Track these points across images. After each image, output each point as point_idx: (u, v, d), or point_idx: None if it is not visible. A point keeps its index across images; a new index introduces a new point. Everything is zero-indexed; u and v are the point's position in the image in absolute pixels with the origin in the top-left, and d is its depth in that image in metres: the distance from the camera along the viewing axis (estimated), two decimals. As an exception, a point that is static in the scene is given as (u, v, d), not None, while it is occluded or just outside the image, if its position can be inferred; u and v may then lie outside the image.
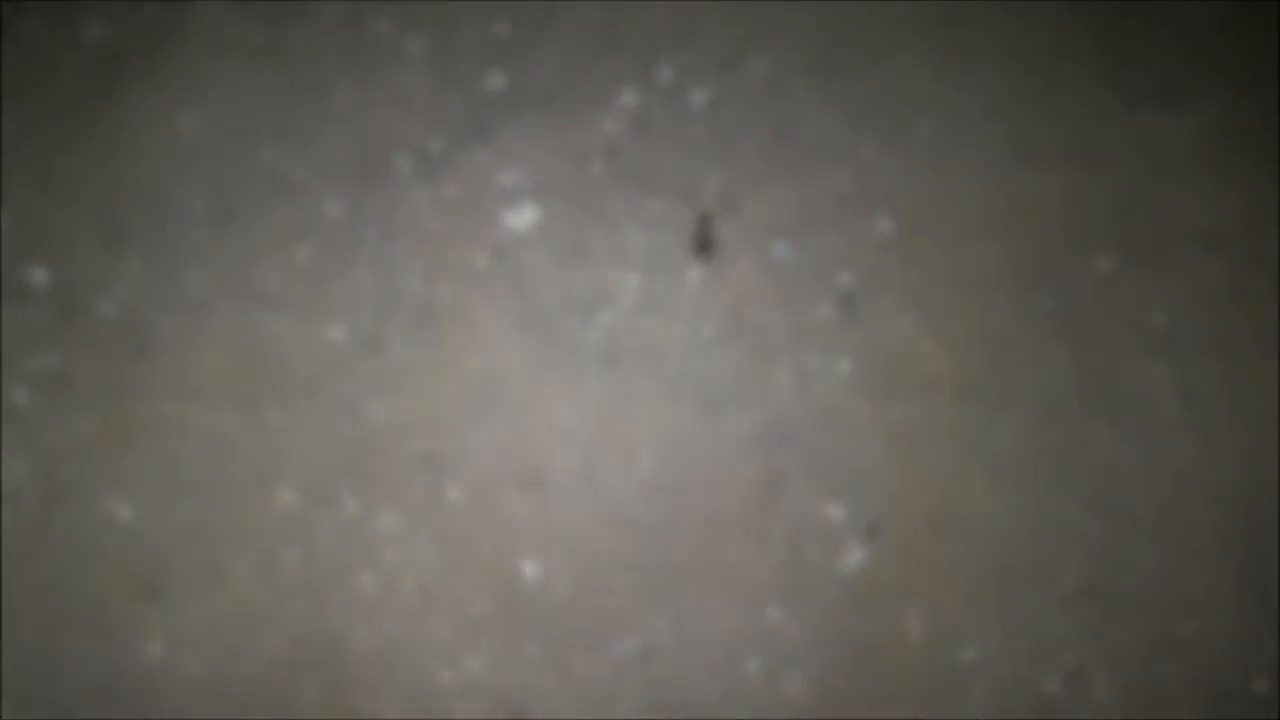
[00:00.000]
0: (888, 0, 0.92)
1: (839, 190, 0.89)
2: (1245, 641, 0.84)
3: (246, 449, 0.80)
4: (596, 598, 0.80)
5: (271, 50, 0.89)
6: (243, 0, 0.90)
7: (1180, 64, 0.92)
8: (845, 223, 0.89)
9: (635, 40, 0.91)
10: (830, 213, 0.89)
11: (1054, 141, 0.90)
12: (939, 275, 0.88)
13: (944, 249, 0.88)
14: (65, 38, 0.88)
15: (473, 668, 0.81)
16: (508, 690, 0.80)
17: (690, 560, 0.81)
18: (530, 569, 0.80)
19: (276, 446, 0.80)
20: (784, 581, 0.81)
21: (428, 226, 0.85)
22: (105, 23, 0.88)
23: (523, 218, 0.86)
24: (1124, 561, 0.83)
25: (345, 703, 0.80)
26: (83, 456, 0.79)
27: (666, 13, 0.91)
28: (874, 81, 0.91)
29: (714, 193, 0.88)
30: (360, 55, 0.89)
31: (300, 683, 0.80)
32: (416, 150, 0.87)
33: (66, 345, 0.81)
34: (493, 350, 0.83)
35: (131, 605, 0.78)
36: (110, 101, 0.87)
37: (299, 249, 0.84)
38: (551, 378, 0.83)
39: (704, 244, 0.87)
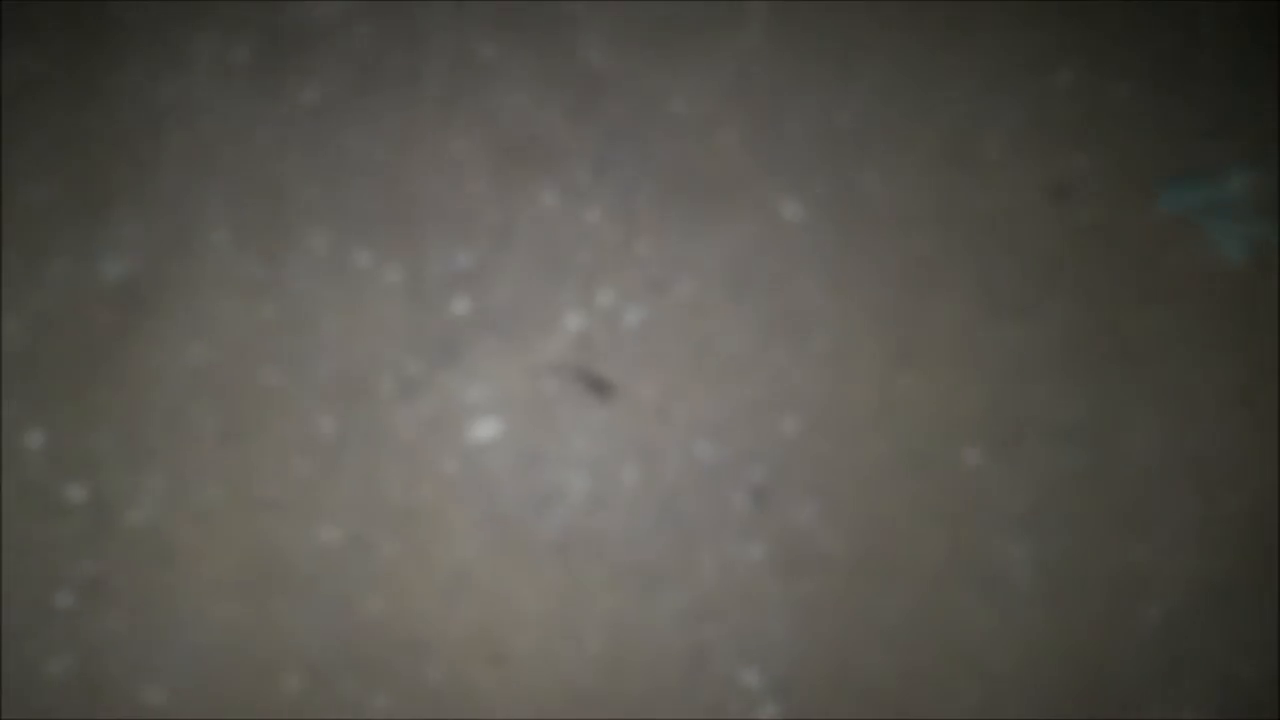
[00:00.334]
0: (791, 234, 1.06)
1: (753, 395, 1.04)
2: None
3: (258, 639, 0.94)
4: None
5: (268, 285, 1.03)
6: (241, 238, 1.03)
7: (1035, 282, 1.07)
8: (757, 423, 1.04)
9: (579, 267, 1.05)
10: (745, 415, 1.04)
11: (930, 349, 1.06)
12: (836, 468, 1.03)
13: (840, 445, 1.03)
14: (89, 277, 1.01)
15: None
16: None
17: None
18: None
19: (283, 637, 0.95)
20: None
21: (406, 438, 1.00)
22: (124, 263, 1.01)
23: (486, 430, 1.00)
24: (991, 715, 0.99)
25: None
26: (119, 651, 0.93)
27: (604, 241, 1.06)
28: (780, 301, 1.06)
29: (649, 403, 1.03)
30: (345, 286, 1.03)
31: None
32: (395, 371, 1.02)
33: (102, 553, 0.95)
34: (463, 545, 0.98)
35: None
36: (130, 335, 1.00)
37: (297, 461, 0.98)
38: (513, 567, 0.98)
39: (640, 447, 1.02)
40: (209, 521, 0.94)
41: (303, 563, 0.94)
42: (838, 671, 0.96)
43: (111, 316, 0.99)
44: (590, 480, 0.98)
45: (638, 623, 0.96)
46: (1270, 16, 1.19)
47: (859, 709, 0.95)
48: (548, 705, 0.94)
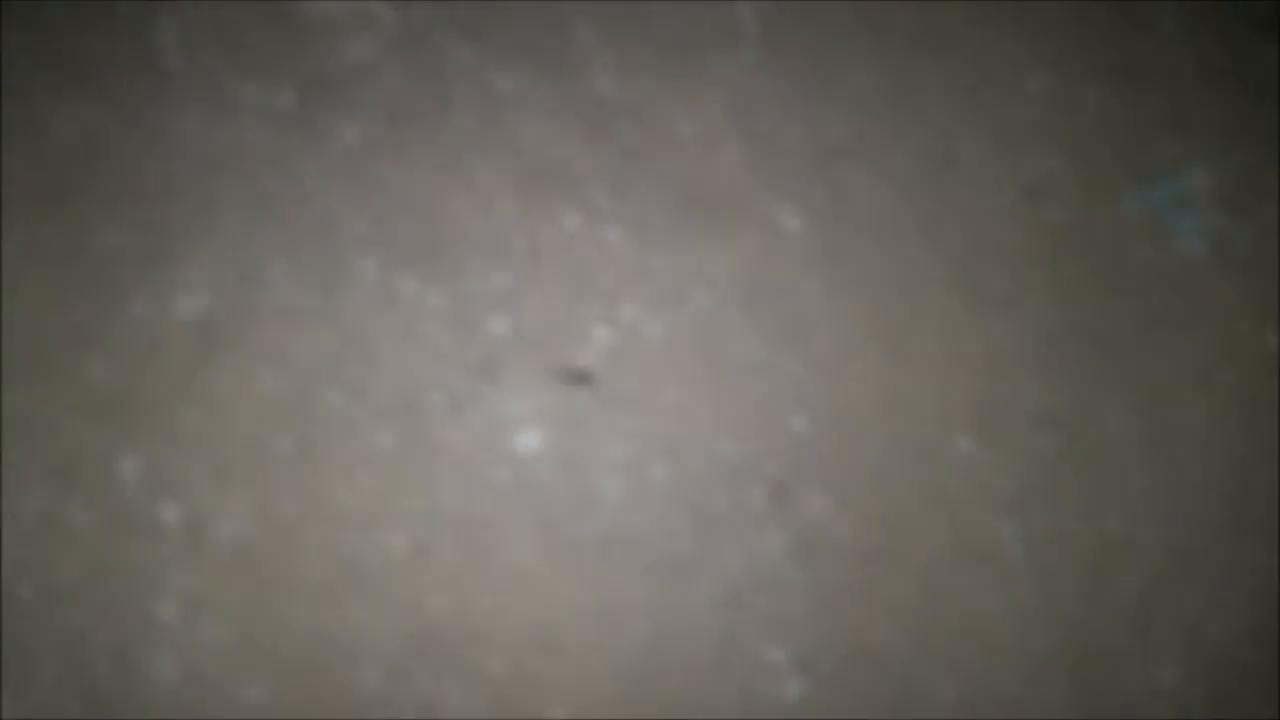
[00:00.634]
0: (792, 245, 1.19)
1: (766, 396, 1.17)
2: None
3: (338, 639, 1.08)
4: None
5: (325, 313, 1.15)
6: (297, 271, 1.15)
7: (1015, 279, 1.20)
8: (771, 423, 1.17)
9: (603, 283, 1.18)
10: (759, 415, 1.17)
11: (923, 346, 1.18)
12: (844, 461, 1.16)
13: (846, 439, 1.16)
14: (165, 316, 1.13)
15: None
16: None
17: (672, 700, 1.10)
18: (558, 714, 1.08)
19: (360, 636, 1.08)
20: (743, 709, 1.10)
21: (458, 451, 1.12)
22: (195, 301, 1.13)
23: (529, 440, 1.13)
24: (987, 683, 1.13)
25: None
26: (219, 656, 1.06)
27: (624, 259, 1.18)
28: (785, 308, 1.18)
29: (673, 408, 1.15)
30: (394, 311, 1.15)
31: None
32: (444, 389, 1.14)
33: (197, 568, 1.07)
34: (515, 547, 1.11)
35: None
36: (206, 366, 1.12)
37: (362, 475, 1.11)
38: (560, 565, 1.11)
39: (666, 449, 1.15)
40: (289, 534, 1.07)
41: (374, 568, 1.07)
42: (854, 647, 1.10)
43: (188, 350, 1.10)
44: (624, 482, 1.11)
45: (673, 610, 1.09)
46: (1226, 15, 1.31)
47: (875, 679, 1.09)
48: (599, 687, 1.07)
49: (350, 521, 1.07)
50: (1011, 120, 1.25)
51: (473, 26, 1.23)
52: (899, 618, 1.09)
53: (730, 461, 1.12)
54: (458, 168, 1.17)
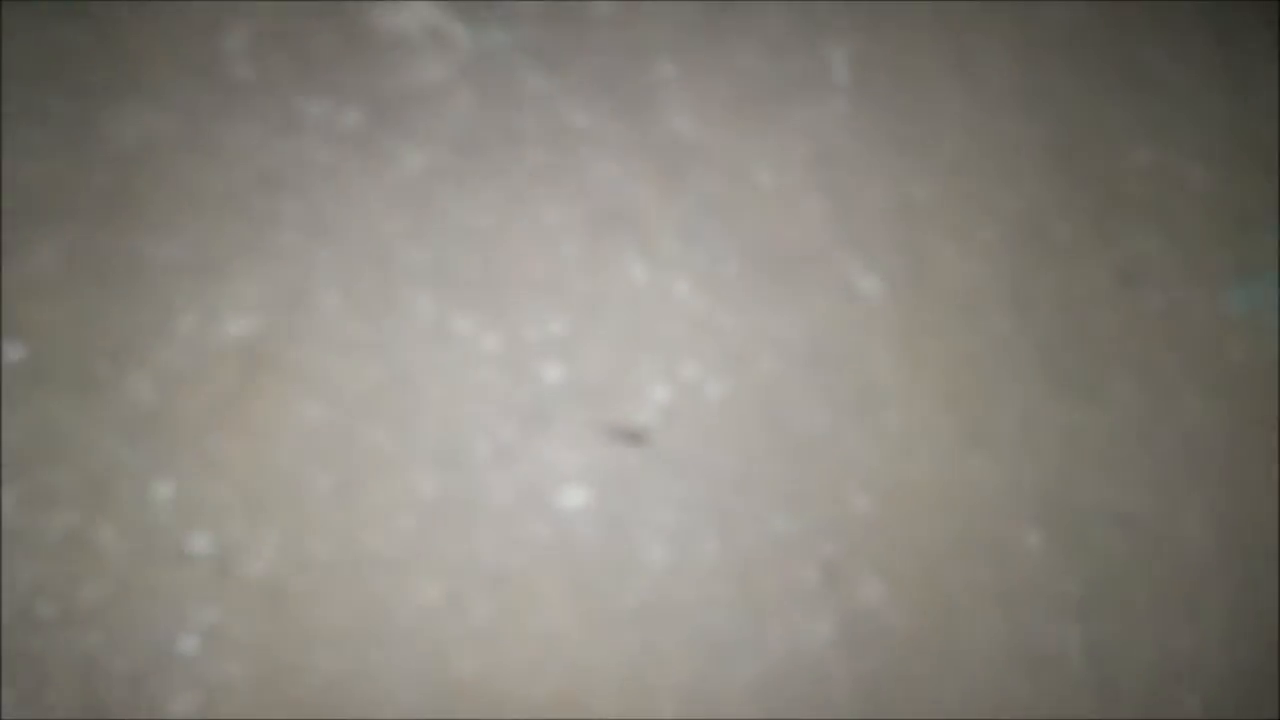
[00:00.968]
0: (867, 310, 1.15)
1: (826, 471, 1.14)
2: None
3: (359, 688, 1.06)
4: None
5: (376, 347, 1.13)
6: (351, 300, 1.13)
7: (1100, 367, 1.16)
8: (830, 499, 1.14)
9: (665, 338, 1.15)
10: (818, 491, 1.14)
11: (997, 430, 1.15)
12: (902, 546, 1.13)
13: (907, 523, 1.13)
14: (214, 335, 1.11)
15: None
16: None
17: None
18: None
19: (382, 688, 1.06)
20: None
21: (500, 503, 1.10)
22: (245, 322, 1.12)
23: (574, 497, 1.11)
24: None
25: None
26: (236, 695, 1.05)
27: (690, 314, 1.15)
28: (854, 378, 1.15)
29: (728, 475, 1.13)
30: (446, 351, 1.13)
31: None
32: (491, 437, 1.12)
33: (223, 601, 1.06)
34: (550, 610, 1.09)
35: None
36: (250, 392, 1.10)
37: (400, 519, 1.09)
38: (595, 632, 1.09)
39: (718, 518, 1.12)
40: (319, 574, 1.05)
41: (402, 618, 1.05)
42: (894, 741, 1.06)
43: (234, 373, 1.09)
44: (669, 550, 1.08)
45: (709, 691, 1.06)
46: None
47: (913, 785, 1.05)
48: (625, 763, 1.05)
49: (382, 567, 1.05)
50: (1111, 195, 1.21)
51: (549, 54, 1.20)
52: (947, 716, 1.06)
53: (784, 538, 1.09)
54: (523, 204, 1.15)
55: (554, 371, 1.11)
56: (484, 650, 1.05)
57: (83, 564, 1.03)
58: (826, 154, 1.20)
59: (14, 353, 1.05)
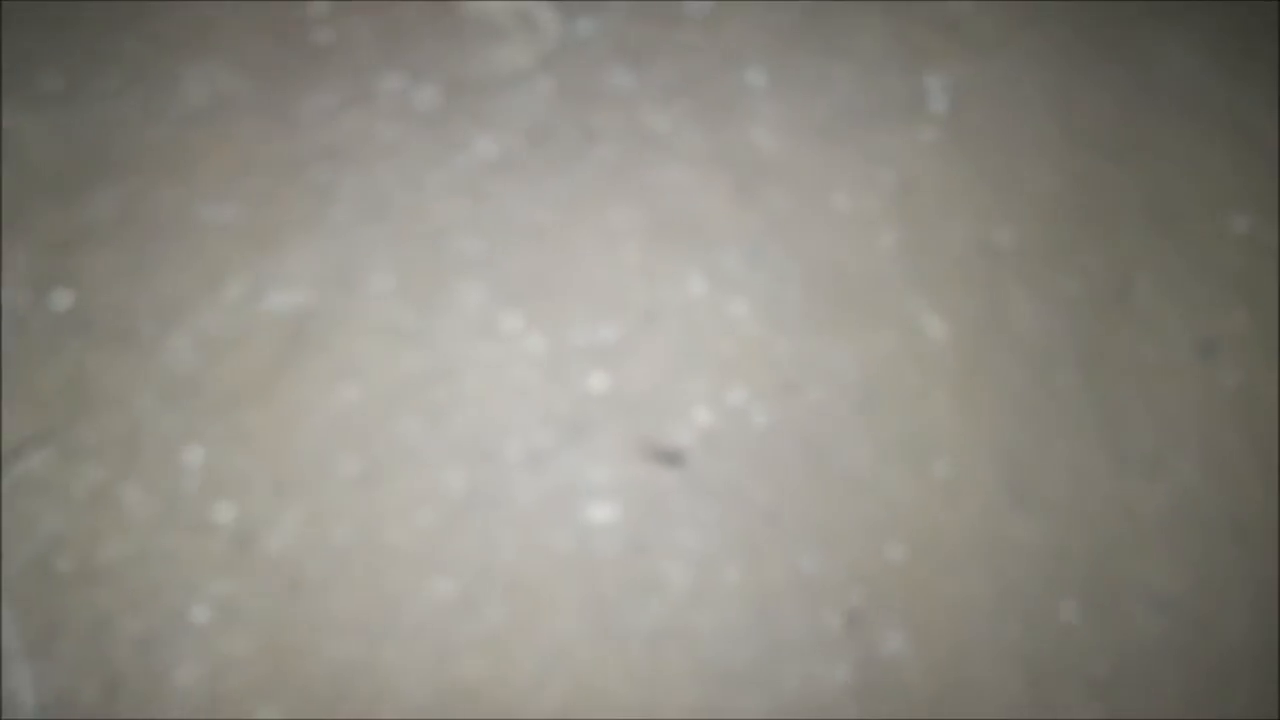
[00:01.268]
0: (930, 353, 1.14)
1: (864, 514, 1.13)
2: None
3: (364, 680, 1.07)
4: None
5: (419, 335, 1.13)
6: (401, 284, 1.13)
7: (1167, 441, 1.14)
8: (864, 544, 1.13)
9: (716, 359, 1.14)
10: (853, 534, 1.13)
11: (1044, 492, 1.13)
12: (931, 600, 1.12)
13: (940, 577, 1.12)
14: (259, 306, 1.12)
15: None
16: None
17: None
18: None
19: (387, 681, 1.07)
20: None
21: (525, 508, 1.11)
22: (292, 296, 1.12)
23: (602, 512, 1.11)
24: None
25: None
26: (243, 670, 1.07)
27: (745, 336, 1.14)
28: (905, 421, 1.14)
29: (761, 507, 1.12)
30: (491, 347, 1.13)
31: None
32: (525, 440, 1.12)
33: (239, 575, 1.08)
34: (563, 622, 1.09)
35: None
36: (289, 367, 1.11)
37: (423, 512, 1.10)
38: (606, 651, 1.09)
39: (745, 550, 1.12)
40: (336, 559, 1.06)
41: (414, 613, 1.06)
42: (897, 799, 1.06)
43: (274, 347, 1.10)
44: (693, 575, 1.08)
45: (715, 722, 1.06)
46: None
47: None
48: (619, 786, 1.05)
49: (401, 559, 1.06)
50: (1203, 261, 1.18)
51: (635, 50, 1.19)
52: (954, 783, 1.05)
53: (811, 578, 1.08)
54: (588, 204, 1.14)
55: (598, 381, 1.11)
56: (493, 655, 1.06)
57: (106, 522, 1.05)
58: (910, 184, 1.18)
59: (61, 301, 1.07)
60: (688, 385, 1.11)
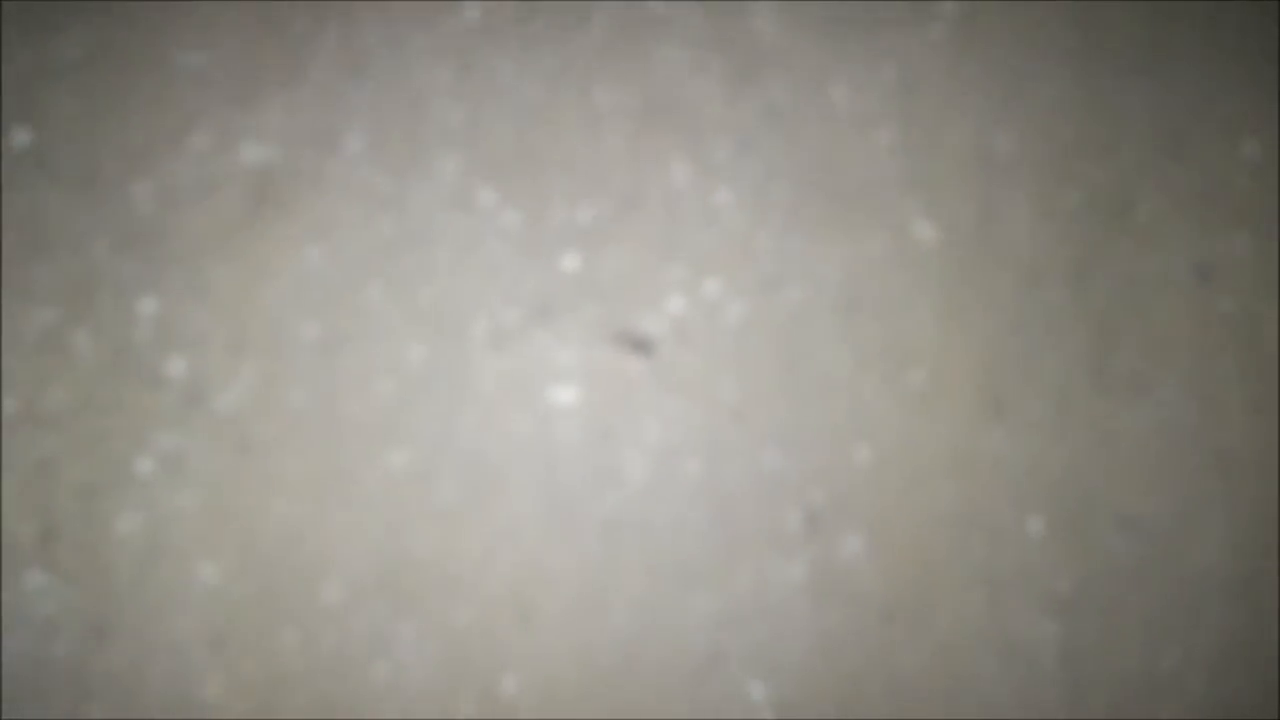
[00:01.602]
0: (917, 257, 1.11)
1: (832, 416, 1.10)
2: None
3: (310, 543, 1.05)
4: (558, 716, 1.06)
5: (392, 202, 1.10)
6: (375, 148, 1.10)
7: (1153, 364, 1.10)
8: (830, 446, 1.10)
9: (694, 248, 1.11)
10: (819, 434, 1.10)
11: (1024, 405, 1.10)
12: (893, 508, 1.09)
13: (905, 486, 1.09)
14: (228, 159, 1.10)
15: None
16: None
17: (636, 706, 1.06)
18: (510, 683, 1.05)
19: (334, 547, 1.06)
20: None
21: (486, 386, 1.08)
22: (263, 151, 1.10)
23: (564, 396, 1.08)
24: None
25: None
26: (184, 524, 1.05)
27: (726, 227, 1.11)
28: (886, 325, 1.11)
29: (728, 402, 1.09)
30: (464, 220, 1.10)
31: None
32: (491, 317, 1.09)
33: (186, 430, 1.06)
34: (517, 502, 1.07)
35: (200, 653, 1.05)
36: (254, 224, 1.09)
37: (381, 382, 1.08)
38: (559, 535, 1.07)
39: (708, 444, 1.09)
40: (288, 422, 1.04)
41: (366, 481, 1.04)
42: (843, 707, 1.04)
43: (239, 203, 1.07)
44: (652, 467, 1.06)
45: (664, 614, 1.04)
46: None
47: (849, 755, 1.03)
48: (561, 669, 1.03)
49: (355, 427, 1.04)
50: (1206, 181, 1.14)
51: (639, -75, 1.15)
52: (901, 690, 1.03)
53: (773, 475, 1.05)
54: (575, 81, 1.11)
55: (570, 261, 1.08)
56: (443, 530, 1.04)
57: (54, 367, 1.03)
58: (912, 84, 1.14)
59: (19, 137, 1.04)
60: (663, 273, 1.08)
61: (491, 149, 1.07)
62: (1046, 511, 1.05)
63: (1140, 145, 1.13)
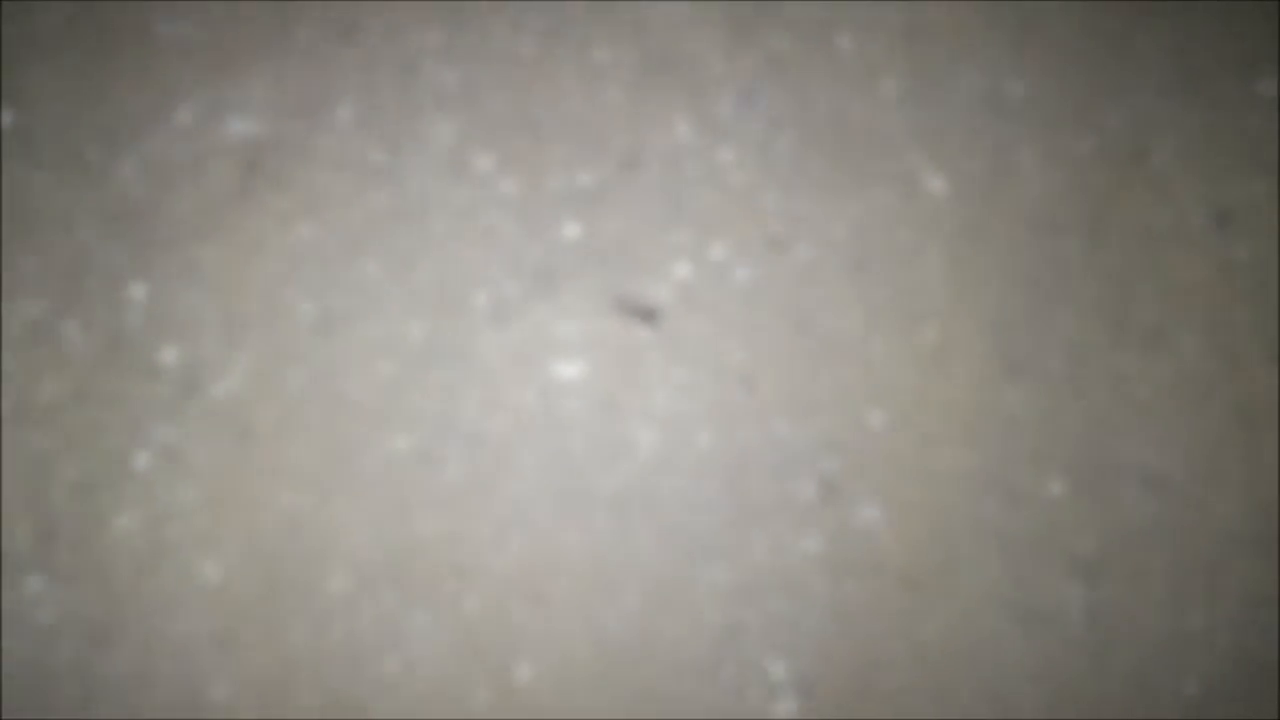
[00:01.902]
0: (928, 211, 1.02)
1: (845, 380, 1.02)
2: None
3: (315, 533, 0.98)
4: (575, 701, 0.99)
5: (385, 172, 1.01)
6: (367, 117, 1.01)
7: (1172, 313, 1.02)
8: (843, 411, 1.02)
9: (700, 210, 1.02)
10: (832, 400, 1.02)
11: (1037, 362, 1.02)
12: (911, 472, 1.01)
13: (922, 449, 1.01)
14: (215, 131, 1.00)
15: None
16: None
17: (653, 687, 0.99)
18: (524, 670, 0.98)
19: (339, 536, 0.98)
20: (722, 716, 0.99)
21: (490, 362, 1.00)
22: (250, 123, 1.00)
23: (570, 369, 1.00)
24: None
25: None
26: (185, 520, 0.97)
27: (732, 186, 1.02)
28: (897, 283, 1.02)
29: (737, 369, 1.01)
30: (461, 189, 1.01)
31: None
32: (492, 289, 1.01)
33: (183, 421, 0.98)
34: (524, 481, 0.99)
35: (205, 652, 0.97)
36: (244, 199, 1.00)
37: (382, 363, 0.99)
38: (568, 512, 0.99)
39: (718, 414, 1.01)
40: (289, 407, 0.96)
41: (370, 466, 0.96)
42: (864, 679, 0.97)
43: (229, 176, 0.98)
44: (661, 438, 0.98)
45: (678, 590, 0.97)
46: None
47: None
48: (576, 652, 0.96)
49: (356, 410, 0.95)
50: (1223, 124, 1.04)
51: None
52: (923, 659, 0.96)
53: (786, 444, 0.97)
54: (569, 39, 1.01)
55: (572, 229, 0.99)
56: (450, 512, 0.96)
57: (44, 359, 0.94)
58: (918, 28, 1.04)
59: (1, 119, 0.94)
60: (667, 237, 0.99)
61: (487, 113, 0.98)
62: (1066, 471, 0.97)
63: (1154, 88, 1.03)
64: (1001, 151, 1.03)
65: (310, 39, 0.99)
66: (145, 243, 0.96)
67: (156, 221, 0.97)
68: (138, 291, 0.95)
